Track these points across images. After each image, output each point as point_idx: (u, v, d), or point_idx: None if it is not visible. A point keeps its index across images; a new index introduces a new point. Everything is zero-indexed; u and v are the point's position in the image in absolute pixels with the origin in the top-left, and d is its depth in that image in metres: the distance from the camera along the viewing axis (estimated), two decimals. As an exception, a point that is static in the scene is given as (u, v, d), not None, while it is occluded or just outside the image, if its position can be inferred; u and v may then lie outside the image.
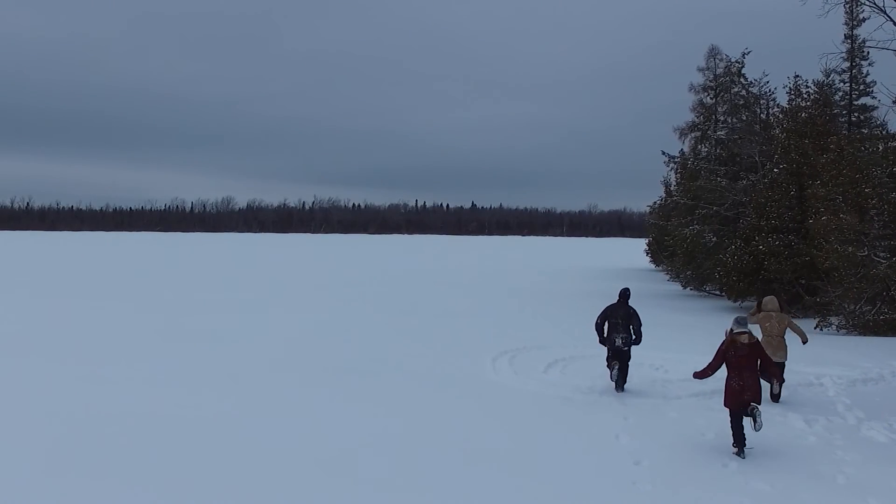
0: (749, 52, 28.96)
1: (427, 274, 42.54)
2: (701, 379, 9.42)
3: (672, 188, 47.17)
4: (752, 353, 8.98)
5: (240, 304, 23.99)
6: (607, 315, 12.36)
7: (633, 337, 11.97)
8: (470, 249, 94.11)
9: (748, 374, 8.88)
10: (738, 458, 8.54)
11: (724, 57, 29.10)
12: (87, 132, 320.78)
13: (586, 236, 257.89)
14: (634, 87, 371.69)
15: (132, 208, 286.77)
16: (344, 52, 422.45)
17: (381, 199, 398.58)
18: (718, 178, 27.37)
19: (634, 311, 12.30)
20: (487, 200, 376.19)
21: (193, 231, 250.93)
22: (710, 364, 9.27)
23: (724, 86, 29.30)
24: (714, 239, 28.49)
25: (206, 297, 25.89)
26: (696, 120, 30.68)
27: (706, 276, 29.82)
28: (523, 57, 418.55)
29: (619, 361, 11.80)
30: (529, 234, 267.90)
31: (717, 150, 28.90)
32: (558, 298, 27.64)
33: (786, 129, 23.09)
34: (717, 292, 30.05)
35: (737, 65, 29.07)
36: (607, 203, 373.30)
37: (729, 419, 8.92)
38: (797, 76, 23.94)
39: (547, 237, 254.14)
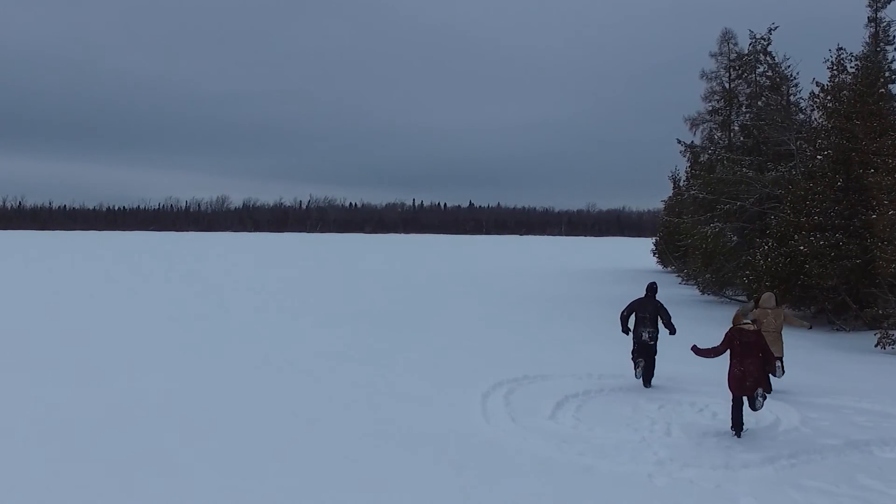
0: (776, 28, 25.66)
1: (416, 277, 39.19)
2: (699, 356, 9.73)
3: (682, 183, 44.00)
4: (756, 342, 9.35)
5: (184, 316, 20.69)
6: (634, 309, 12.43)
7: (659, 332, 12.01)
8: (466, 250, 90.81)
9: (750, 362, 9.23)
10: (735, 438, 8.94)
11: (752, 34, 25.71)
12: (79, 130, 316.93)
13: (585, 235, 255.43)
14: (633, 85, 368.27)
15: (125, 207, 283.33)
16: (340, 51, 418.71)
17: (377, 198, 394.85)
18: (744, 169, 24.02)
19: (662, 305, 12.43)
20: (485, 199, 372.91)
21: (188, 230, 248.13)
22: (715, 347, 9.62)
23: (749, 65, 25.93)
24: (735, 238, 25.23)
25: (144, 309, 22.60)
26: (716, 105, 27.30)
27: (727, 279, 26.59)
28: (520, 54, 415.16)
29: (644, 358, 11.74)
30: (527, 233, 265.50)
31: (742, 138, 25.49)
32: (564, 307, 24.30)
33: (829, 109, 19.74)
34: (741, 298, 26.79)
35: (762, 42, 25.74)
36: (606, 202, 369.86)
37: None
38: (840, 48, 20.66)
39: (545, 236, 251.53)
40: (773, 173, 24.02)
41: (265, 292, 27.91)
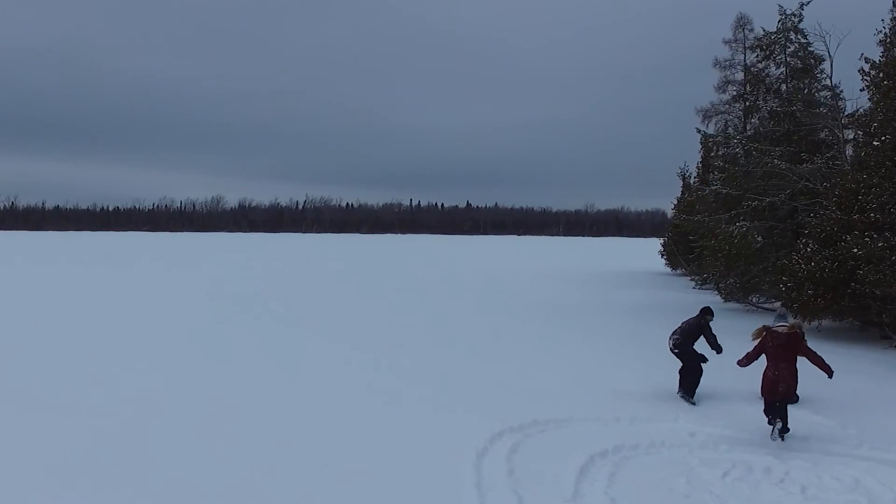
0: (809, 2, 22.82)
1: (408, 282, 36.26)
2: (743, 366, 9.46)
3: (693, 180, 41.14)
4: (788, 344, 9.00)
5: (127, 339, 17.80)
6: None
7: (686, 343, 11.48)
8: (465, 251, 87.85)
9: (784, 366, 8.91)
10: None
11: (782, 9, 22.81)
12: (73, 130, 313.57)
13: (583, 235, 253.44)
14: (631, 85, 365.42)
15: (119, 207, 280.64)
16: (336, 50, 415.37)
17: (374, 198, 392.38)
18: (776, 161, 21.13)
19: (700, 322, 11.83)
20: (482, 200, 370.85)
21: (182, 231, 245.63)
22: (749, 353, 9.41)
23: (778, 44, 23.05)
24: (760, 239, 22.37)
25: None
26: (739, 91, 24.39)
27: (753, 285, 23.73)
28: (518, 54, 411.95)
29: (682, 376, 11.13)
30: (525, 233, 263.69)
31: (771, 125, 22.59)
32: (576, 317, 21.34)
33: (884, 87, 16.82)
34: (767, 306, 23.93)
35: (792, 19, 22.88)
36: (604, 202, 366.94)
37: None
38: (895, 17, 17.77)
39: (544, 237, 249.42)
40: (809, 165, 21.13)
41: (260, 296, 25.02)
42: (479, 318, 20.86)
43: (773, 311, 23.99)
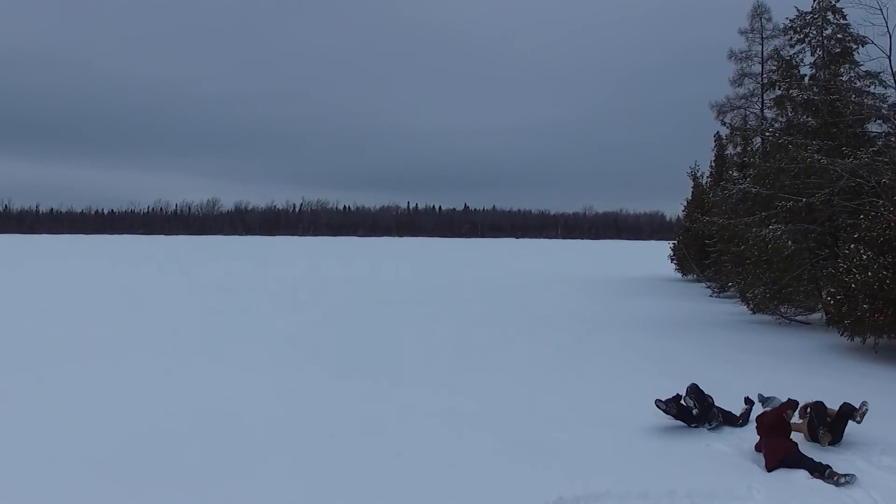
0: (849, -21, 20.33)
1: (398, 290, 33.76)
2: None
3: (705, 180, 38.69)
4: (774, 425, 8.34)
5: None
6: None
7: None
8: (463, 254, 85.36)
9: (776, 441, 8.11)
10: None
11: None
12: (68, 132, 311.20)
13: (582, 238, 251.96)
14: (629, 86, 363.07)
15: (114, 210, 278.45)
16: (333, 52, 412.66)
17: (371, 200, 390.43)
18: (815, 156, 18.65)
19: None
20: (480, 202, 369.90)
21: (178, 233, 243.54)
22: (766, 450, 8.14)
23: (814, 25, 20.57)
24: (791, 244, 19.93)
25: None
26: (771, 77, 21.94)
27: (785, 294, 21.27)
28: (515, 55, 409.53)
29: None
30: (523, 235, 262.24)
31: (806, 117, 20.11)
32: (591, 335, 18.68)
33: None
34: (801, 319, 21.45)
35: (829, -1, 20.45)
36: (602, 205, 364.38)
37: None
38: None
39: (542, 239, 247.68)
40: (852, 160, 18.65)
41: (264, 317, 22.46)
42: (484, 334, 18.34)
43: (807, 324, 21.62)
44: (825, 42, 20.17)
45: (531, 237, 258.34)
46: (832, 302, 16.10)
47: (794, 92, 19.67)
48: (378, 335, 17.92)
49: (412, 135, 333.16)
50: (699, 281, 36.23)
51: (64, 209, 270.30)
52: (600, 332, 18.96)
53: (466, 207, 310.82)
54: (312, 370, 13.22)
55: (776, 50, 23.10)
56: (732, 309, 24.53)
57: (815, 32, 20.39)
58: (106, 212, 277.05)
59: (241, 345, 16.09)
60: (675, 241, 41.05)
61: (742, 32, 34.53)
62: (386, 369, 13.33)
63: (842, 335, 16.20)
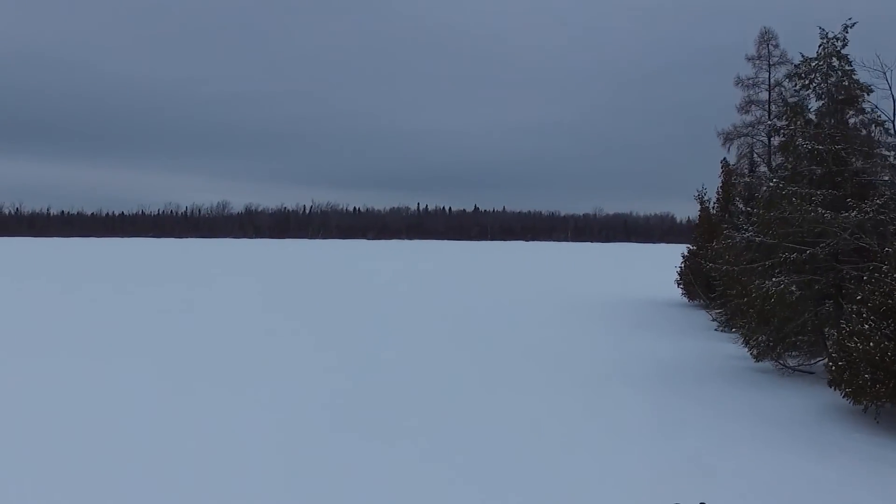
0: (854, 25, 20.06)
1: (390, 320, 33.53)
2: None
3: (713, 205, 38.33)
4: None
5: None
6: None
7: None
8: (470, 263, 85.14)
9: None
10: None
11: (823, 33, 20.10)
12: (76, 133, 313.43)
13: (592, 241, 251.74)
14: (639, 86, 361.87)
15: (125, 213, 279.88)
16: (344, 52, 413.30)
17: (381, 202, 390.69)
18: (820, 210, 18.40)
19: None
20: (490, 203, 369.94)
21: (188, 236, 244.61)
22: None
23: (819, 71, 20.27)
24: (796, 291, 19.65)
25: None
26: (775, 123, 21.66)
27: (789, 343, 21.00)
28: (525, 55, 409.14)
29: None
30: (533, 238, 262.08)
31: (811, 166, 19.83)
32: (588, 390, 18.58)
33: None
34: (805, 369, 21.13)
35: (835, 43, 20.14)
36: (612, 206, 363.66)
37: None
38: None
39: (552, 242, 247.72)
40: (856, 213, 18.38)
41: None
42: (494, 393, 18.10)
43: (811, 373, 21.29)
44: (830, 90, 19.84)
45: (541, 240, 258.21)
46: (833, 368, 15.84)
47: (799, 141, 19.32)
48: (384, 383, 17.69)
49: (421, 135, 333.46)
50: (705, 307, 35.90)
51: (75, 211, 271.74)
52: (598, 383, 18.70)
53: (476, 209, 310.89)
54: (351, 433, 13.04)
55: (779, 93, 22.76)
56: (735, 351, 24.10)
57: (819, 79, 20.08)
58: (116, 214, 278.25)
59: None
60: (682, 267, 40.64)
61: (749, 59, 34.28)
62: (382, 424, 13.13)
63: (844, 398, 15.94)
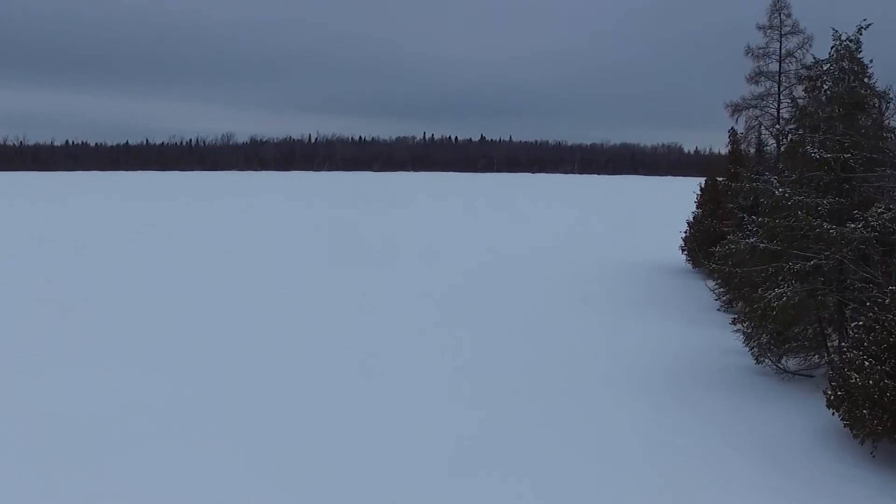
0: (868, 26, 19.42)
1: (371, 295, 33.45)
2: None
3: (721, 181, 37.88)
4: None
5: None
6: None
7: None
8: (469, 208, 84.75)
9: None
10: None
11: (836, 35, 19.49)
12: (81, 61, 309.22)
13: (598, 173, 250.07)
14: (648, 12, 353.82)
15: (129, 143, 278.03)
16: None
17: (387, 131, 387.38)
18: (825, 224, 18.19)
19: None
20: (496, 132, 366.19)
21: (192, 169, 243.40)
22: None
23: (830, 75, 19.71)
24: (798, 301, 19.58)
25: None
26: (788, 128, 21.19)
27: (790, 347, 21.04)
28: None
29: None
30: (540, 170, 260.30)
31: (819, 173, 19.47)
32: (569, 399, 18.67)
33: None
34: (806, 372, 21.14)
35: (849, 46, 19.53)
36: (619, 136, 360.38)
37: None
38: None
39: (557, 174, 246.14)
40: (862, 227, 18.13)
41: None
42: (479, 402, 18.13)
43: (812, 377, 21.29)
44: (841, 95, 19.31)
45: (548, 171, 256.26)
46: (832, 397, 15.83)
47: (808, 149, 18.93)
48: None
49: (429, 62, 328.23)
50: (708, 276, 35.66)
51: (78, 142, 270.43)
52: (584, 399, 18.58)
53: (483, 138, 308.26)
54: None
55: (792, 95, 22.18)
56: (736, 345, 23.79)
57: (831, 83, 19.53)
58: (120, 145, 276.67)
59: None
60: (686, 233, 40.34)
61: (760, 28, 33.37)
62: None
63: (842, 420, 15.95)
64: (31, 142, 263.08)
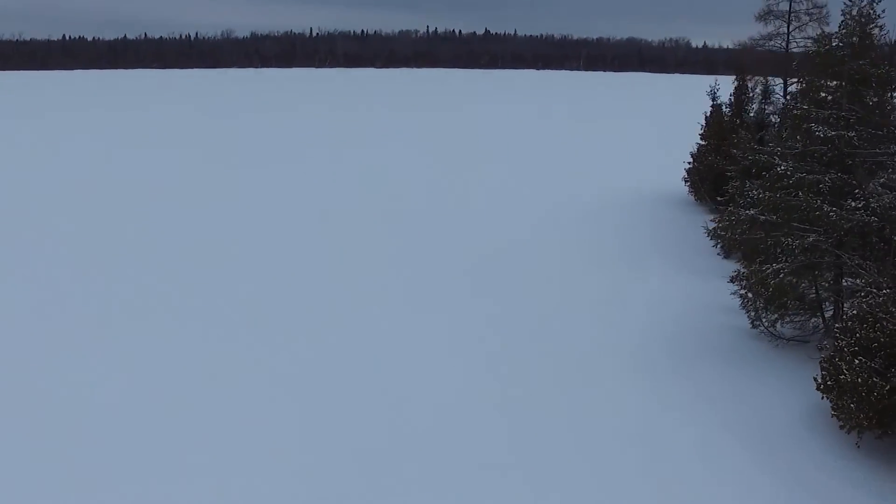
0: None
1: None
2: None
3: (726, 112, 37.55)
4: None
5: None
6: None
7: None
8: (468, 117, 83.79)
9: None
10: None
11: (847, 6, 19.10)
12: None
13: (604, 69, 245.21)
14: None
15: (127, 36, 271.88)
16: None
17: (389, 25, 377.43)
18: (826, 207, 18.37)
19: None
20: (501, 26, 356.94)
21: (191, 67, 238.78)
22: None
23: (847, 47, 19.42)
24: (793, 278, 19.97)
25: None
26: (796, 102, 20.99)
27: (785, 312, 21.49)
28: None
29: None
30: (545, 66, 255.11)
31: (821, 148, 19.48)
32: (562, 386, 19.25)
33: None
34: (801, 338, 21.63)
35: (863, 17, 19.18)
36: (625, 30, 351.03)
37: None
38: None
39: (562, 71, 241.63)
40: (862, 206, 18.32)
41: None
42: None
43: (806, 342, 21.76)
44: (849, 70, 19.09)
45: (553, 68, 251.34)
46: (822, 386, 16.38)
47: (813, 126, 18.90)
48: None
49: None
50: (711, 211, 35.67)
51: (76, 36, 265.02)
52: (584, 377, 19.08)
53: (487, 32, 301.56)
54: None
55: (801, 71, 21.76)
56: (733, 303, 23.99)
57: (851, 56, 19.26)
58: (118, 39, 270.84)
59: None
60: (689, 164, 40.18)
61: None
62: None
63: (831, 408, 16.52)
64: (27, 37, 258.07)
